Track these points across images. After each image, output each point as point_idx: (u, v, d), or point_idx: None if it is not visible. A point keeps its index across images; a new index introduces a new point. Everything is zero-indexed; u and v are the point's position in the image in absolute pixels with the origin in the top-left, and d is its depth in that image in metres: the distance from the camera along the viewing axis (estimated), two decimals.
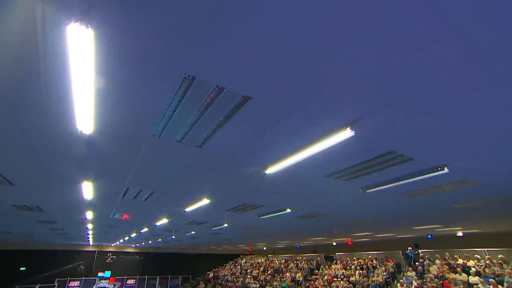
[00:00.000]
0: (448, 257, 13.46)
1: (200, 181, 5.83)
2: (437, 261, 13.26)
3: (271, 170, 4.74)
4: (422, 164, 4.43)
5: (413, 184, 5.40)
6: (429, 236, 16.78)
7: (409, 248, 15.73)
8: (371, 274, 15.57)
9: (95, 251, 27.56)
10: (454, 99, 2.77)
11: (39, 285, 23.11)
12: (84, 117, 3.01)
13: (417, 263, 14.34)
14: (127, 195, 7.13)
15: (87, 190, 6.24)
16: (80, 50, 2.00)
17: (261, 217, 9.70)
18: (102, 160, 4.61)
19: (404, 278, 13.69)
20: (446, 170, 4.40)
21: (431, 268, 12.97)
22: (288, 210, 8.35)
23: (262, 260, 26.11)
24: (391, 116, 3.09)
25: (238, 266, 27.73)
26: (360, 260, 17.83)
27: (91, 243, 24.93)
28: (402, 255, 16.44)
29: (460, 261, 12.56)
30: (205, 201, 7.44)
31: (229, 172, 5.20)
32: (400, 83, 2.54)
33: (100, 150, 4.13)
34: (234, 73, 2.45)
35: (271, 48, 2.17)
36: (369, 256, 17.78)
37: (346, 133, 3.22)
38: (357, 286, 15.26)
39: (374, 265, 16.58)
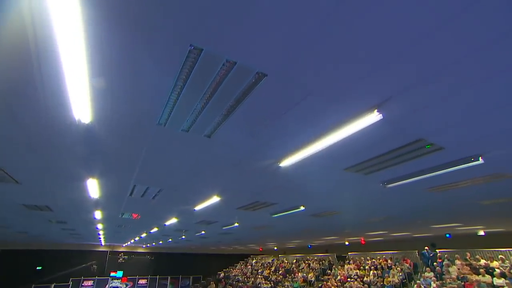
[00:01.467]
0: (469, 257, 12.81)
1: (209, 176, 5.51)
2: (457, 262, 12.66)
3: (286, 162, 4.38)
4: (454, 154, 3.99)
5: (439, 178, 4.95)
6: (448, 235, 16.10)
7: (426, 247, 15.11)
8: (386, 275, 15.10)
9: (107, 251, 27.88)
10: (504, 71, 2.36)
11: (54, 284, 23.58)
12: (80, 103, 2.73)
13: (435, 263, 13.75)
14: (134, 193, 6.92)
15: (93, 187, 6.07)
16: (64, 12, 1.71)
17: (273, 216, 9.37)
18: (105, 153, 4.33)
19: (421, 279, 13.14)
20: (480, 160, 3.95)
21: (450, 269, 12.39)
22: (302, 208, 8.00)
23: (270, 260, 25.79)
24: (424, 96, 2.69)
25: (249, 266, 27.55)
26: (374, 260, 17.36)
27: (103, 243, 25.17)
28: (418, 255, 15.87)
29: (483, 261, 11.94)
30: (215, 199, 7.16)
31: (240, 166, 4.86)
32: (438, 53, 2.17)
33: (102, 141, 3.85)
34: (248, 45, 2.12)
35: (290, 14, 1.86)
36: (384, 256, 17.27)
37: (373, 117, 2.84)
38: (372, 286, 14.81)
39: (389, 265, 16.10)
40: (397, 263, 15.87)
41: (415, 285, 12.69)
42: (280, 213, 8.88)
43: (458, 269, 12.09)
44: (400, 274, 14.71)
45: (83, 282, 25.33)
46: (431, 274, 12.97)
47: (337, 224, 12.16)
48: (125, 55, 2.21)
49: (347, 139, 3.43)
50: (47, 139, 3.75)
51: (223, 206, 8.18)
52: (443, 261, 13.36)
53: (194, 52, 2.11)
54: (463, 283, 10.97)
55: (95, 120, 3.18)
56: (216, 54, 2.17)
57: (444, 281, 11.81)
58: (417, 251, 16.01)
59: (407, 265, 15.16)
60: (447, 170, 4.35)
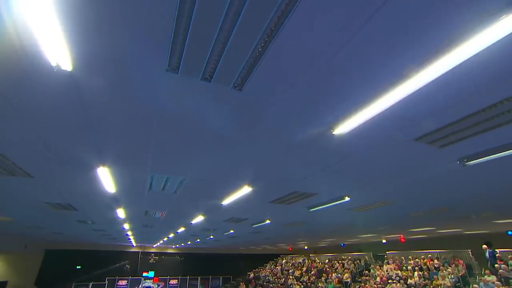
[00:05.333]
0: None
1: (239, 156, 4.50)
2: None
3: (343, 128, 3.23)
4: None
5: None
6: (510, 233, 14.01)
7: (484, 246, 13.13)
8: (435, 277, 13.46)
9: (139, 252, 28.67)
10: None
11: (92, 282, 24.81)
12: (49, 38, 1.89)
13: (496, 265, 11.91)
14: (153, 186, 6.27)
15: (105, 178, 5.46)
16: None
17: (310, 210, 8.33)
18: (103, 120, 3.35)
19: (481, 283, 11.41)
20: None
21: None
22: (347, 199, 6.86)
23: (301, 260, 24.76)
24: None
25: (279, 266, 26.72)
26: (417, 259, 15.72)
27: (134, 244, 25.68)
28: (472, 254, 13.98)
29: None
30: (245, 190, 6.23)
31: (281, 137, 3.76)
32: None
33: (95, 103, 2.93)
34: None
35: None
36: (429, 255, 15.55)
37: (505, 26, 1.64)
38: None
39: (435, 265, 14.43)
40: (445, 264, 14.16)
41: None
42: (319, 206, 7.81)
43: None
44: (452, 276, 13.03)
45: (118, 282, 26.18)
46: (493, 277, 11.23)
47: (382, 218, 10.72)
48: None
49: (438, 82, 2.28)
50: (34, 103, 2.97)
51: (254, 200, 7.31)
52: (506, 262, 11.55)
53: None
54: None
55: (78, 66, 2.31)
56: None
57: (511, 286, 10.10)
58: (470, 250, 14.13)
59: (461, 266, 13.40)
60: None
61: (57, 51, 2.03)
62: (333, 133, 3.36)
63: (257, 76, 2.47)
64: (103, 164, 4.73)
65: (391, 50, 2.16)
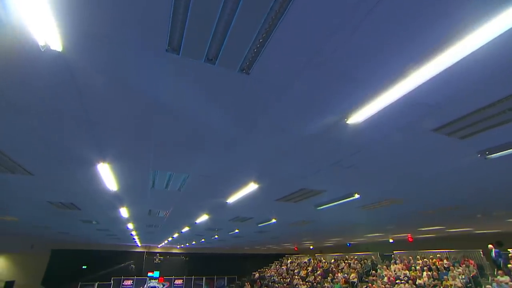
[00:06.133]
0: None
1: (245, 151, 4.25)
2: None
3: (358, 117, 2.96)
4: None
5: None
6: None
7: (490, 246, 12.71)
8: (445, 277, 13.10)
9: (143, 252, 28.69)
10: None
11: (97, 282, 24.96)
12: (37, 14, 1.67)
13: (509, 265, 11.54)
14: (156, 184, 6.10)
15: (106, 175, 5.29)
16: None
17: (318, 208, 8.10)
18: (99, 109, 3.09)
19: (494, 283, 11.05)
20: None
21: None
22: (356, 196, 6.61)
23: (307, 260, 24.52)
24: None
25: (284, 266, 26.50)
26: (425, 259, 15.37)
27: (139, 244, 25.68)
28: (483, 254, 13.59)
29: None
30: (251, 187, 6.03)
31: (290, 130, 3.52)
32: None
33: (89, 86, 2.67)
34: None
35: None
36: (438, 255, 15.19)
37: None
38: None
39: (445, 265, 14.07)
40: (455, 264, 13.81)
41: None
42: (327, 204, 7.59)
43: None
44: (463, 276, 12.67)
45: (123, 282, 26.28)
46: (506, 278, 10.89)
47: (391, 216, 10.43)
48: None
49: (460, 64, 2.08)
50: (26, 92, 2.77)
51: (260, 198, 7.12)
52: None
53: None
54: None
55: (68, 46, 2.09)
56: None
57: None
58: (481, 250, 13.75)
59: (472, 266, 13.04)
60: None
61: (45, 29, 1.82)
62: (347, 122, 3.11)
63: (266, 57, 2.23)
64: (103, 160, 4.55)
65: (412, 29, 1.95)
